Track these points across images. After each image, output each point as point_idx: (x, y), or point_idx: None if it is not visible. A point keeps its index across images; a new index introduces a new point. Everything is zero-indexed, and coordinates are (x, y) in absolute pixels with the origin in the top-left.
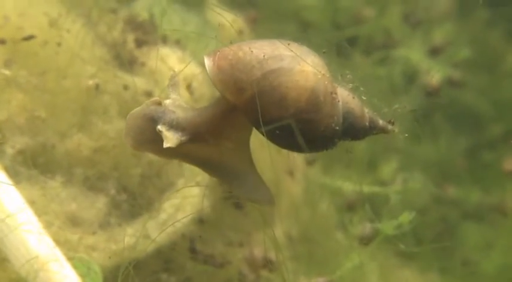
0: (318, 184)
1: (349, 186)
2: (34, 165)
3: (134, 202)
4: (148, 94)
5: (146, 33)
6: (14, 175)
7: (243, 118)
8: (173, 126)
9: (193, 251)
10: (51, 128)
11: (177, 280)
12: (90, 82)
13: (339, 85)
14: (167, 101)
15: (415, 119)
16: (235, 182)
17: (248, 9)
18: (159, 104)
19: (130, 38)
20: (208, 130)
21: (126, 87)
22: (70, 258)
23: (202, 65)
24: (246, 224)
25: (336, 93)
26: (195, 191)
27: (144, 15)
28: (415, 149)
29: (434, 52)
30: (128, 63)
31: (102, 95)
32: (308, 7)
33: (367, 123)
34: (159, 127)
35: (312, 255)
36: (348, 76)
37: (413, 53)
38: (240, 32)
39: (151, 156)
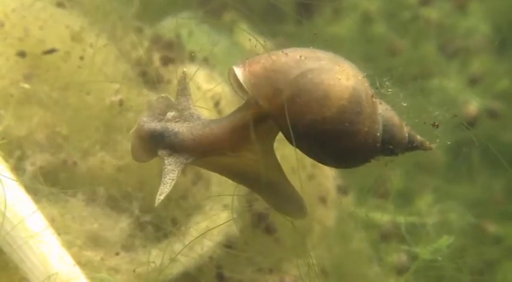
0: (351, 214)
1: (384, 217)
2: (55, 183)
3: (159, 224)
4: None
5: (173, 51)
6: (34, 193)
7: (265, 128)
8: (176, 149)
9: (221, 277)
10: (72, 145)
11: None
12: (114, 98)
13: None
14: (170, 115)
15: (454, 156)
16: (265, 193)
17: (278, 38)
18: (168, 100)
19: (156, 56)
20: (225, 146)
21: None
22: (92, 278)
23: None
24: (277, 249)
25: (375, 98)
26: (223, 214)
27: (170, 35)
28: (452, 184)
29: (472, 82)
30: (152, 80)
31: (126, 112)
32: (338, 37)
33: (406, 135)
34: (160, 153)
35: None
36: (387, 83)
37: (450, 83)
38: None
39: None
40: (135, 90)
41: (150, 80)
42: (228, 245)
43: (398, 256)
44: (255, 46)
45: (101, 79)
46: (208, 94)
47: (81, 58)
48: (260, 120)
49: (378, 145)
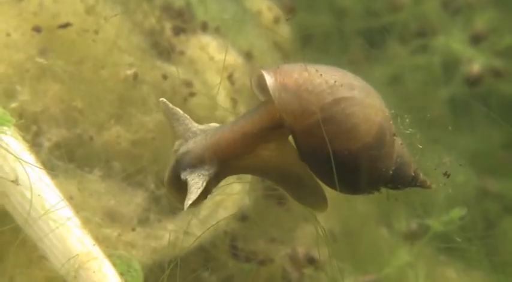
0: None
1: None
2: (71, 159)
3: None
4: (188, 84)
5: (184, 21)
6: (51, 169)
7: (278, 133)
8: (195, 165)
9: (234, 248)
10: (88, 119)
11: (218, 279)
12: (128, 72)
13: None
14: (177, 145)
15: (454, 110)
16: (287, 186)
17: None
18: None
19: (168, 26)
20: (238, 151)
21: (165, 77)
22: (109, 256)
23: (244, 54)
24: (288, 220)
25: (396, 136)
26: (237, 187)
27: (180, 2)
28: (455, 139)
29: (475, 40)
30: (166, 51)
31: (141, 85)
32: None
33: (412, 173)
34: (182, 177)
35: (356, 252)
36: (407, 121)
37: (453, 41)
38: (276, 20)
39: None
40: (148, 62)
41: (163, 51)
42: (242, 217)
43: (408, 223)
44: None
45: (115, 53)
46: (221, 65)
47: (96, 32)
48: (274, 127)
49: (387, 181)
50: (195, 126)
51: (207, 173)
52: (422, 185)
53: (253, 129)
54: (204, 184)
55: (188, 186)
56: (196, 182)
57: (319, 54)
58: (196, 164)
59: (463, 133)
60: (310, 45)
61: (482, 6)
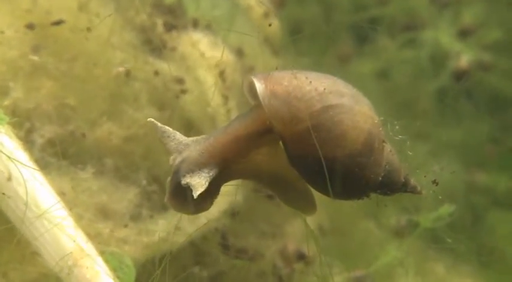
0: None
1: None
2: (64, 156)
3: (165, 193)
4: (180, 81)
5: (175, 17)
6: (44, 166)
7: (269, 138)
8: (193, 170)
9: (225, 244)
10: (80, 116)
11: (209, 274)
12: (120, 69)
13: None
14: (171, 160)
15: (442, 104)
16: (278, 190)
17: None
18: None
19: (159, 22)
20: (233, 155)
21: (156, 74)
22: (102, 253)
23: (235, 51)
24: (278, 215)
25: (386, 142)
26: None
27: None
28: (442, 132)
29: (463, 34)
30: (158, 48)
31: (133, 81)
32: None
33: (402, 179)
34: (183, 183)
35: (345, 248)
36: (397, 127)
37: (441, 35)
38: (266, 14)
39: None
40: (140, 59)
41: (155, 48)
42: (232, 213)
43: (397, 219)
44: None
45: (108, 50)
46: (212, 61)
47: (88, 29)
48: (265, 132)
49: (376, 187)
50: (185, 139)
51: (207, 174)
52: (413, 191)
53: (246, 133)
54: (207, 183)
55: (192, 186)
56: (198, 182)
57: (307, 48)
58: (194, 168)
59: (451, 126)
60: (299, 39)
61: (470, 1)
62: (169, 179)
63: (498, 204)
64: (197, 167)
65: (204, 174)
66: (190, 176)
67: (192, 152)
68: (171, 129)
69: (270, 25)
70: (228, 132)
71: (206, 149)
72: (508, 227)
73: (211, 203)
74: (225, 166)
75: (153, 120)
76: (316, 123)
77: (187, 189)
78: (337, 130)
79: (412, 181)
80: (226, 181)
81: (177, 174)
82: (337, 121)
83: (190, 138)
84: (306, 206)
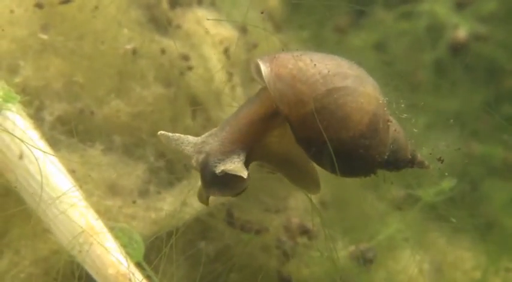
0: None
1: None
2: (73, 133)
3: (172, 169)
4: (185, 58)
5: None
6: (54, 144)
7: (280, 120)
8: (223, 159)
9: (230, 218)
10: (89, 93)
11: (215, 248)
12: (128, 46)
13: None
14: (193, 161)
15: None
16: (285, 169)
17: None
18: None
19: None
20: (251, 139)
21: (163, 51)
22: (111, 229)
23: (239, 28)
24: (281, 189)
25: (391, 121)
26: None
27: None
28: (438, 103)
29: (460, 5)
30: (163, 26)
31: (140, 59)
32: None
33: (409, 156)
34: (218, 171)
35: (347, 221)
36: (402, 106)
37: (438, 6)
38: None
39: (188, 122)
40: (147, 37)
41: (160, 25)
42: None
43: (397, 192)
44: None
45: (115, 27)
46: (217, 38)
47: (96, 7)
48: (274, 113)
49: (383, 164)
50: (198, 138)
51: (238, 159)
52: (420, 166)
53: (258, 116)
54: (241, 165)
55: (232, 171)
56: (235, 166)
57: (306, 22)
58: (222, 157)
59: (447, 96)
60: (298, 12)
61: None
62: (200, 177)
63: (494, 174)
64: (224, 155)
65: (235, 160)
66: (223, 164)
67: (213, 144)
68: (182, 135)
69: None
70: (241, 117)
71: (226, 138)
72: (505, 197)
73: (247, 185)
74: (248, 150)
75: (163, 132)
76: (321, 106)
77: (223, 176)
78: (341, 112)
79: (419, 156)
80: (251, 162)
81: (206, 168)
82: (341, 104)
83: (203, 135)
84: (311, 185)
